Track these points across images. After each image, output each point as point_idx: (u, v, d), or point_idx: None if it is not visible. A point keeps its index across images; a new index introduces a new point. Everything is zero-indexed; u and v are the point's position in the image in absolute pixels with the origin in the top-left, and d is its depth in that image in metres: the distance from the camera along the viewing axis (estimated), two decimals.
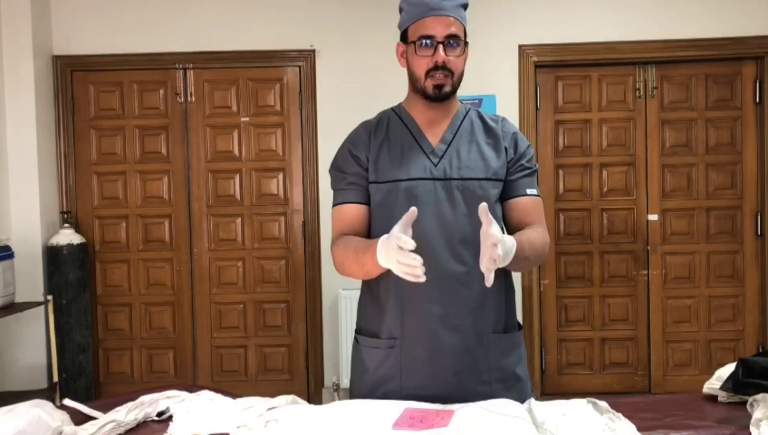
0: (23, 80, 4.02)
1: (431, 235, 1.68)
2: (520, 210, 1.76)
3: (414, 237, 1.64)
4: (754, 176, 4.31)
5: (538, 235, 1.71)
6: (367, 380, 1.75)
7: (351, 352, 1.86)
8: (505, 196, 1.77)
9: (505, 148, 1.76)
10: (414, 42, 1.68)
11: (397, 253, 1.45)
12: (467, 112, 1.81)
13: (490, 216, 1.45)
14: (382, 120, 1.81)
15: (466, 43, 1.71)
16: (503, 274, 1.74)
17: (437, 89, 1.69)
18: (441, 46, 1.65)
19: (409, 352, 1.69)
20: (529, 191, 1.76)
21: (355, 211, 1.75)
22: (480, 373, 1.68)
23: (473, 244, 1.67)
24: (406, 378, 1.69)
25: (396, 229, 1.48)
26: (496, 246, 1.43)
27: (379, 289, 1.73)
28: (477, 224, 1.66)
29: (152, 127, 4.32)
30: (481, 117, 1.81)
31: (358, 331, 1.82)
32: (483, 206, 1.44)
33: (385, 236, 1.54)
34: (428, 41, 1.66)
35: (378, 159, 1.74)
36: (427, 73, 1.68)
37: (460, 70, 1.71)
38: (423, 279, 1.45)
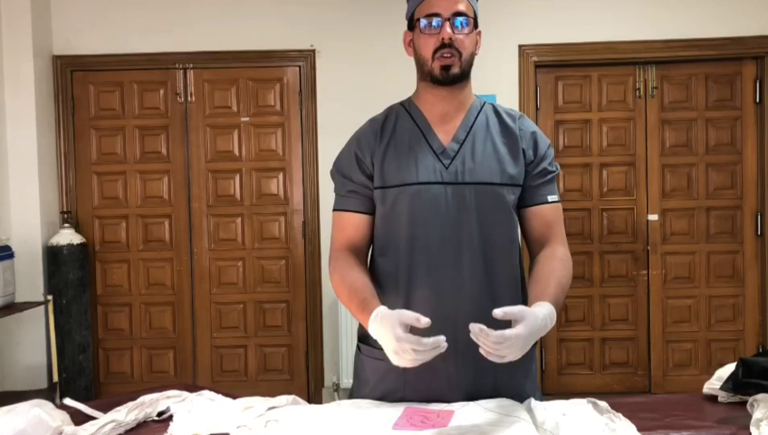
0: (23, 80, 4.02)
1: (440, 244, 1.59)
2: (542, 221, 1.67)
3: (422, 245, 1.58)
4: (754, 176, 4.31)
5: (564, 268, 1.61)
6: (369, 393, 1.67)
7: (354, 360, 1.78)
8: (525, 202, 1.66)
9: (523, 150, 1.65)
10: (419, 20, 1.59)
11: (399, 339, 1.37)
12: (482, 107, 1.70)
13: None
14: (389, 116, 1.70)
15: (476, 26, 1.62)
16: (517, 283, 1.66)
17: (445, 70, 1.58)
18: (447, 24, 1.56)
19: (415, 366, 1.60)
20: (550, 198, 1.67)
21: (354, 222, 1.67)
22: (487, 387, 1.61)
23: (487, 255, 1.60)
24: (410, 392, 1.61)
25: (398, 319, 1.39)
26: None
27: (384, 297, 1.63)
28: (491, 233, 1.60)
29: (152, 127, 4.32)
30: (497, 112, 1.69)
31: (360, 340, 1.73)
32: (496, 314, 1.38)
33: (382, 312, 1.45)
34: (435, 20, 1.57)
35: (384, 162, 1.63)
36: (434, 54, 1.58)
37: (470, 51, 1.60)
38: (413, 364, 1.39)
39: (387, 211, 1.64)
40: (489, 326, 1.36)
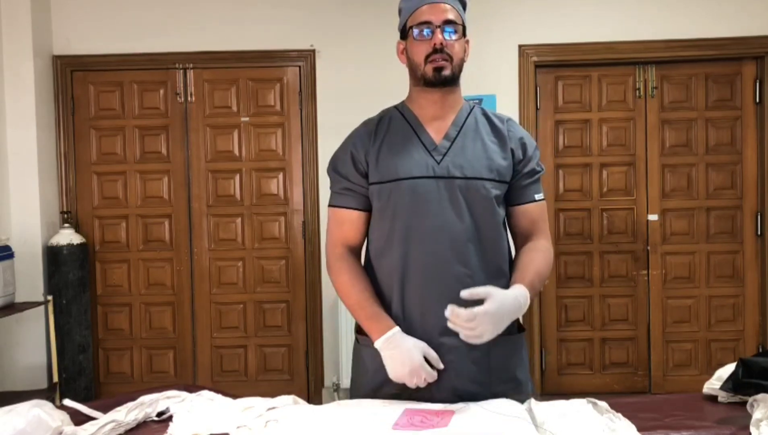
0: (23, 80, 4.02)
1: (433, 235, 1.67)
2: (528, 218, 1.77)
3: (416, 237, 1.68)
4: (754, 176, 4.31)
5: (543, 259, 1.73)
6: (368, 381, 1.74)
7: (351, 352, 1.85)
8: (513, 201, 1.76)
9: (512, 150, 1.74)
10: (412, 28, 1.69)
11: (422, 366, 1.59)
12: (472, 109, 1.79)
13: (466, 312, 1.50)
14: (384, 117, 1.80)
15: (464, 35, 1.72)
16: (506, 272, 1.74)
17: (437, 72, 1.67)
18: (438, 30, 1.66)
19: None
20: (537, 197, 1.77)
21: (351, 218, 1.77)
22: (480, 375, 1.68)
23: (476, 245, 1.69)
24: None
25: (422, 350, 1.61)
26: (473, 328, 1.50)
27: (381, 290, 1.73)
28: (480, 225, 1.70)
29: (152, 127, 4.31)
30: (486, 115, 1.79)
31: (358, 331, 1.80)
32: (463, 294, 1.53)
33: (400, 333, 1.63)
34: (426, 29, 1.67)
35: (378, 159, 1.72)
36: (427, 58, 1.67)
37: (460, 57, 1.70)
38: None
39: (383, 206, 1.72)
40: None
